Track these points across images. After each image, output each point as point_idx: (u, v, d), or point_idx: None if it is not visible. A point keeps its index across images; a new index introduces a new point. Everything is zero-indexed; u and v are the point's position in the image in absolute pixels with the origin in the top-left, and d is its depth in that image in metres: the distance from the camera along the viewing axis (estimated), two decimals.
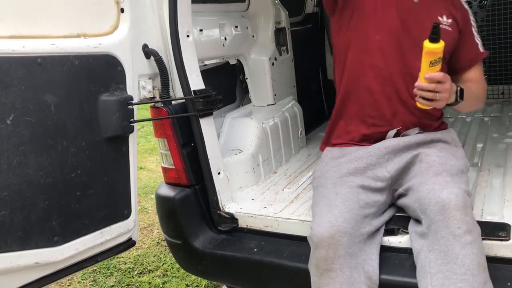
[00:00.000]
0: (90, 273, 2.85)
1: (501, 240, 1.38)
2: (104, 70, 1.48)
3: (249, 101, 2.47)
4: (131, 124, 1.53)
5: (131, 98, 1.53)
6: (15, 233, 1.30)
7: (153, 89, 1.72)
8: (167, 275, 2.81)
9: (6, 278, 1.33)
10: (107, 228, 1.53)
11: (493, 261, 1.37)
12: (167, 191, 1.85)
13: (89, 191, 1.47)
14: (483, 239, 1.37)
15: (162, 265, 2.92)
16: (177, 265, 2.72)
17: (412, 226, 1.48)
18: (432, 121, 1.72)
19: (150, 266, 2.92)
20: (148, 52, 1.67)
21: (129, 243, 1.64)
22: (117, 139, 1.52)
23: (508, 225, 1.43)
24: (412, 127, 1.65)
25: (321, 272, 1.39)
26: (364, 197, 1.50)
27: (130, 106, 1.52)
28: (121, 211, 1.58)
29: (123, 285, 2.74)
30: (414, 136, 1.62)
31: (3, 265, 1.29)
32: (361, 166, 1.58)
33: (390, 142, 1.60)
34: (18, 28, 1.29)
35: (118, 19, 1.51)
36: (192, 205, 1.84)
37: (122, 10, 1.51)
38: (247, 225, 1.83)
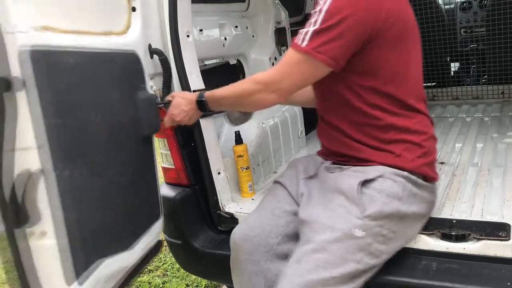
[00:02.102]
0: None
1: (501, 240, 1.37)
2: (133, 68, 1.48)
3: None
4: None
5: (156, 97, 1.57)
6: (109, 238, 1.31)
7: (151, 88, 1.72)
8: (167, 275, 2.81)
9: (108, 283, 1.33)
10: (152, 228, 1.55)
11: (493, 261, 1.37)
12: (167, 191, 1.86)
13: (138, 191, 1.48)
14: (483, 239, 1.37)
15: (162, 265, 2.92)
16: (177, 265, 2.72)
17: None
18: None
19: (150, 266, 2.92)
20: (152, 51, 1.66)
21: (159, 244, 1.66)
22: (149, 138, 1.54)
23: (508, 225, 1.43)
24: None
25: (231, 269, 1.55)
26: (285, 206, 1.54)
27: (162, 105, 1.58)
28: (155, 211, 1.60)
29: None
30: None
31: (112, 269, 1.30)
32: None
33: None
34: (75, 23, 1.26)
35: (130, 18, 1.50)
36: (192, 205, 1.84)
37: (133, 9, 1.51)
38: None
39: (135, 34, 1.50)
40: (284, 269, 1.31)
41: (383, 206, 1.31)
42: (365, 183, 1.34)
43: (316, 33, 1.29)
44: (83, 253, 1.20)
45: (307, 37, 1.30)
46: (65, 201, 1.11)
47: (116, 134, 1.37)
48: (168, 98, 1.62)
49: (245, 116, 1.73)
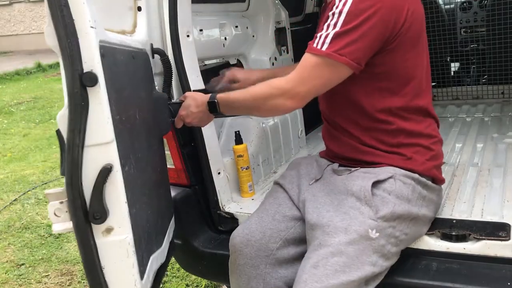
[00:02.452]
0: None
1: (501, 240, 1.38)
2: (147, 67, 1.49)
3: None
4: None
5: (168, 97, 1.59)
6: (155, 234, 1.33)
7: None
8: (167, 275, 2.80)
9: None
10: (170, 226, 1.56)
11: (493, 261, 1.37)
12: None
13: (162, 189, 1.49)
14: (483, 239, 1.37)
15: None
16: (177, 265, 2.71)
17: None
18: None
19: None
20: (154, 51, 1.66)
21: (173, 243, 1.65)
22: (162, 138, 1.56)
23: (508, 225, 1.43)
24: None
25: (229, 271, 1.54)
26: (286, 209, 1.53)
27: (174, 104, 1.58)
28: (171, 209, 1.61)
29: None
30: None
31: (156, 265, 1.31)
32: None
33: None
34: (106, 22, 1.25)
35: (136, 18, 1.50)
36: (192, 205, 1.84)
37: (139, 9, 1.51)
38: None
39: (142, 34, 1.51)
40: (300, 274, 1.28)
41: (394, 207, 1.31)
42: (375, 184, 1.33)
43: (338, 35, 1.25)
44: (143, 249, 1.20)
45: (328, 40, 1.26)
46: (130, 197, 1.11)
47: (149, 132, 1.38)
48: (181, 98, 1.61)
49: None
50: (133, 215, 1.12)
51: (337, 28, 1.25)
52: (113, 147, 1.06)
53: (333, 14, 1.28)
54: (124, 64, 1.23)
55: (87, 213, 1.04)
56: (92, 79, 1.01)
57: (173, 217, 1.65)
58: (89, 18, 1.02)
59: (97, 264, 1.07)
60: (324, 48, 1.26)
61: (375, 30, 1.25)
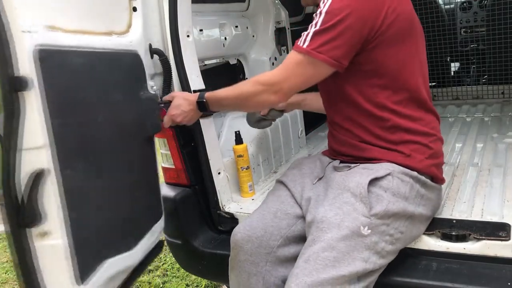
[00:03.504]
0: None
1: (501, 240, 1.37)
2: (136, 68, 1.49)
3: None
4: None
5: (158, 97, 1.57)
6: (113, 238, 1.31)
7: (151, 88, 1.72)
8: (167, 275, 2.81)
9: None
10: (153, 228, 1.54)
11: (493, 261, 1.37)
12: (167, 191, 1.85)
13: (140, 191, 1.48)
14: (483, 239, 1.37)
15: (162, 265, 2.92)
16: (177, 265, 2.72)
17: None
18: None
19: (150, 266, 2.92)
20: (153, 51, 1.66)
21: (161, 243, 1.66)
22: (151, 138, 1.55)
23: (508, 225, 1.43)
24: None
25: (229, 268, 1.54)
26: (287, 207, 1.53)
27: (162, 105, 1.58)
28: (157, 210, 1.60)
29: None
30: None
31: (115, 269, 1.30)
32: None
33: None
34: (79, 23, 1.26)
35: (131, 18, 1.50)
36: (192, 205, 1.84)
37: (134, 9, 1.51)
38: None
39: (137, 34, 1.50)
40: (292, 269, 1.30)
41: (388, 205, 1.31)
42: (372, 181, 1.34)
43: (316, 34, 1.30)
44: (87, 253, 1.20)
45: (308, 38, 1.32)
46: (69, 200, 1.12)
47: (120, 134, 1.37)
48: (168, 98, 1.62)
49: (266, 122, 1.82)
50: (74, 219, 1.13)
51: (317, 27, 1.31)
52: (47, 151, 1.07)
53: (316, 14, 1.33)
54: (82, 67, 1.22)
55: (21, 217, 1.05)
56: (23, 84, 1.02)
57: (162, 217, 1.63)
58: (23, 22, 1.03)
59: (30, 267, 1.08)
60: (305, 46, 1.32)
61: (351, 30, 1.29)
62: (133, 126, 1.44)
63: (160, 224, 1.61)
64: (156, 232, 1.58)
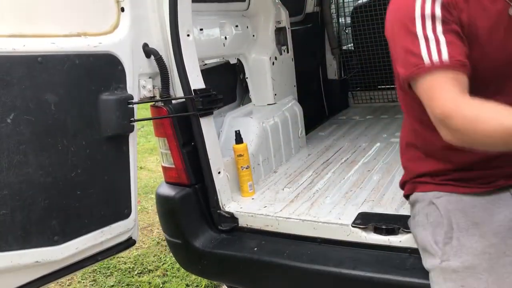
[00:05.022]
0: (90, 273, 2.85)
1: None
2: (105, 69, 1.48)
3: (249, 101, 2.47)
4: (131, 123, 1.53)
5: (131, 97, 1.53)
6: (16, 232, 1.31)
7: (153, 88, 1.72)
8: (167, 275, 2.81)
9: (6, 277, 1.33)
10: (107, 227, 1.53)
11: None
12: (167, 191, 1.85)
13: (89, 190, 1.47)
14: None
15: (162, 265, 2.92)
16: (177, 265, 2.72)
17: None
18: None
19: (150, 266, 2.92)
20: (148, 51, 1.67)
21: (129, 242, 1.64)
22: (117, 138, 1.52)
23: None
24: None
25: None
26: None
27: (131, 106, 1.52)
28: (121, 210, 1.58)
29: (123, 285, 2.74)
30: None
31: (4, 264, 1.30)
32: None
33: None
34: (18, 26, 1.30)
35: (119, 18, 1.51)
36: (192, 205, 1.84)
37: (122, 9, 1.51)
38: (247, 225, 1.83)
39: (121, 35, 1.50)
40: None
41: None
42: None
43: None
44: None
45: None
46: None
47: (55, 134, 1.37)
48: None
49: None
50: None
51: None
52: None
53: None
54: (12, 71, 1.25)
55: None
56: None
57: (129, 216, 1.61)
58: None
59: None
60: None
61: None
62: (90, 126, 1.44)
63: (120, 225, 1.58)
64: (114, 233, 1.56)
